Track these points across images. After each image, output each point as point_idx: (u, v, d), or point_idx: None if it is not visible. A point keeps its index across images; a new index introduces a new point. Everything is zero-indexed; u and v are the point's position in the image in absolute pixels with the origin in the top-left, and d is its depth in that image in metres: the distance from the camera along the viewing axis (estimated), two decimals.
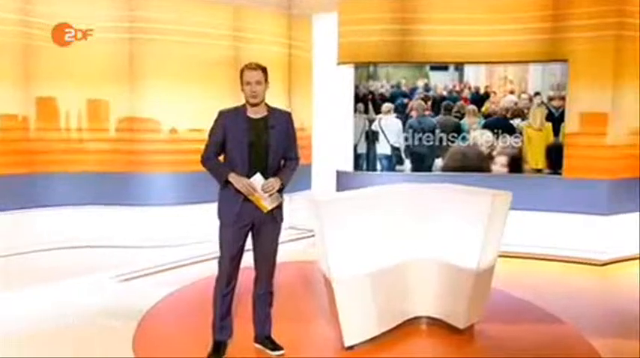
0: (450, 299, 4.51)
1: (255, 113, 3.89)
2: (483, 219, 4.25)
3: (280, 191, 3.90)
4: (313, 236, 7.59)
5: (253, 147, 3.83)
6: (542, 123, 7.17)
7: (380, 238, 4.23)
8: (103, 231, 7.19)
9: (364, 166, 7.53)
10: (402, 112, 7.44)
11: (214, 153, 3.91)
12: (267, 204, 3.85)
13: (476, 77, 7.38)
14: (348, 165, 7.53)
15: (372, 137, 7.49)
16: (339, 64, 7.53)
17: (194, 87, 7.31)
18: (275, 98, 3.93)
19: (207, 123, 7.00)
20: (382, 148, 7.51)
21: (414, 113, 7.43)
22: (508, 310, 5.16)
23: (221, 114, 3.92)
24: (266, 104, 3.93)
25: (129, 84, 7.21)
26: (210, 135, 3.94)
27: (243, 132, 3.83)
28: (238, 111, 3.91)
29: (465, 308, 4.45)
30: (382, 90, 7.47)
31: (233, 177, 3.79)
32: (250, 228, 3.95)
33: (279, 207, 3.96)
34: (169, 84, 7.24)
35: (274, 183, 3.83)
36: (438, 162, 7.47)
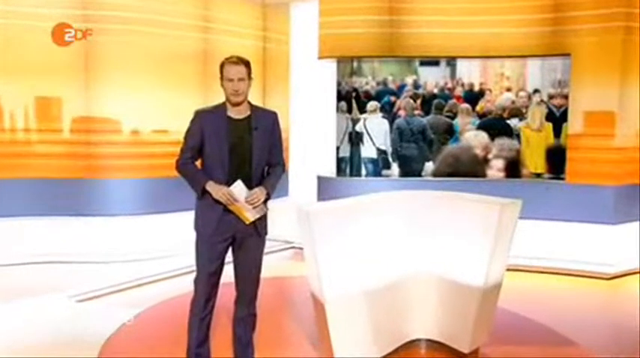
0: (453, 320, 4.41)
1: (236, 113, 3.75)
2: (491, 231, 4.16)
3: (265, 201, 3.77)
4: (291, 248, 7.66)
5: (234, 151, 3.70)
6: (541, 124, 7.18)
7: (377, 252, 4.13)
8: (56, 246, 6.95)
9: (347, 171, 7.48)
10: (388, 112, 7.41)
11: (191, 157, 3.77)
12: (249, 216, 3.71)
13: (469, 73, 7.36)
14: (330, 170, 7.48)
15: (355, 139, 7.43)
16: (319, 58, 7.45)
17: (159, 83, 7.15)
18: (248, 96, 3.79)
19: (173, 123, 7.05)
20: (367, 151, 7.47)
21: (402, 112, 7.40)
22: (514, 331, 5.07)
23: (198, 114, 3.79)
24: (249, 103, 3.80)
25: (84, 79, 7.00)
26: (185, 138, 3.80)
27: (223, 135, 3.70)
28: (217, 111, 3.77)
29: (470, 329, 4.34)
30: (367, 88, 7.43)
31: (211, 186, 3.66)
32: (231, 243, 3.81)
33: (263, 218, 3.82)
34: (131, 79, 7.06)
35: (259, 193, 3.69)
36: (429, 166, 7.45)
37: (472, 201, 4.42)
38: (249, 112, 3.78)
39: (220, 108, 3.77)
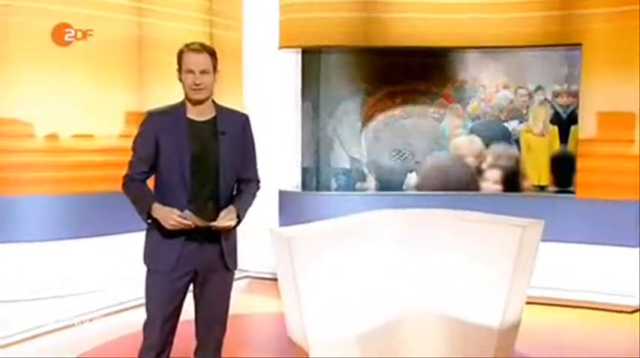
0: None
1: (198, 114, 3.63)
2: (509, 259, 4.15)
3: (237, 224, 3.65)
4: (245, 277, 7.47)
5: (197, 162, 3.57)
6: (545, 127, 7.25)
7: (371, 286, 4.11)
8: None
9: (314, 184, 7.48)
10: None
11: (142, 172, 3.61)
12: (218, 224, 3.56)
13: (460, 67, 7.36)
14: (294, 183, 7.48)
15: (324, 145, 7.40)
16: (280, 48, 7.41)
17: (82, 77, 6.90)
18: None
19: (100, 126, 6.84)
20: (338, 160, 7.47)
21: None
22: None
23: (151, 115, 3.64)
24: (214, 102, 3.71)
25: None
26: (134, 148, 3.64)
27: (182, 142, 3.56)
28: (176, 112, 3.63)
29: None
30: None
31: (158, 211, 3.49)
32: (192, 278, 3.66)
33: (233, 248, 3.73)
34: (45, 72, 6.79)
35: (228, 215, 3.55)
36: (411, 178, 7.45)
37: (485, 223, 4.43)
38: (214, 113, 3.68)
39: (178, 109, 3.64)
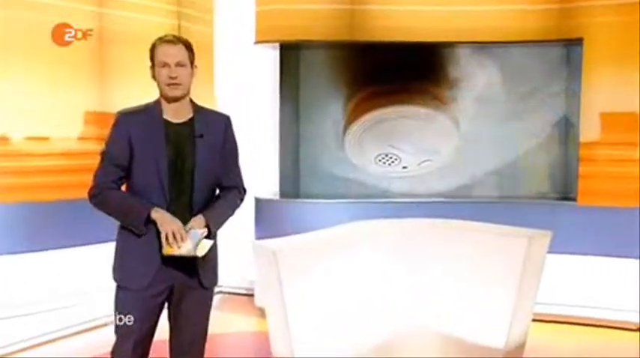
0: None
1: (175, 114, 3.59)
2: (514, 273, 4.17)
3: (208, 236, 3.56)
4: (218, 293, 7.38)
5: (174, 168, 3.53)
6: (543, 129, 7.25)
7: (364, 303, 4.13)
8: None
9: (293, 191, 7.46)
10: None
11: (116, 180, 3.54)
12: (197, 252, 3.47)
13: (452, 64, 7.40)
14: (272, 190, 7.44)
15: (304, 149, 7.49)
16: (256, 43, 7.35)
17: (36, 73, 6.77)
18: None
19: (56, 127, 6.71)
20: (319, 165, 7.53)
21: None
22: None
23: (123, 116, 3.57)
24: (191, 101, 3.67)
25: None
26: (105, 152, 3.56)
27: (159, 145, 3.51)
28: (150, 112, 3.58)
29: None
30: None
31: (158, 214, 3.43)
32: (167, 297, 3.61)
33: (210, 263, 3.64)
34: None
35: (197, 225, 3.49)
36: (399, 184, 7.43)
37: (487, 233, 4.44)
38: (191, 114, 3.63)
39: (152, 108, 3.59)
